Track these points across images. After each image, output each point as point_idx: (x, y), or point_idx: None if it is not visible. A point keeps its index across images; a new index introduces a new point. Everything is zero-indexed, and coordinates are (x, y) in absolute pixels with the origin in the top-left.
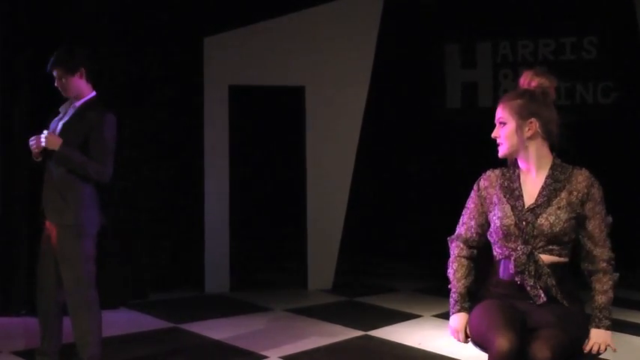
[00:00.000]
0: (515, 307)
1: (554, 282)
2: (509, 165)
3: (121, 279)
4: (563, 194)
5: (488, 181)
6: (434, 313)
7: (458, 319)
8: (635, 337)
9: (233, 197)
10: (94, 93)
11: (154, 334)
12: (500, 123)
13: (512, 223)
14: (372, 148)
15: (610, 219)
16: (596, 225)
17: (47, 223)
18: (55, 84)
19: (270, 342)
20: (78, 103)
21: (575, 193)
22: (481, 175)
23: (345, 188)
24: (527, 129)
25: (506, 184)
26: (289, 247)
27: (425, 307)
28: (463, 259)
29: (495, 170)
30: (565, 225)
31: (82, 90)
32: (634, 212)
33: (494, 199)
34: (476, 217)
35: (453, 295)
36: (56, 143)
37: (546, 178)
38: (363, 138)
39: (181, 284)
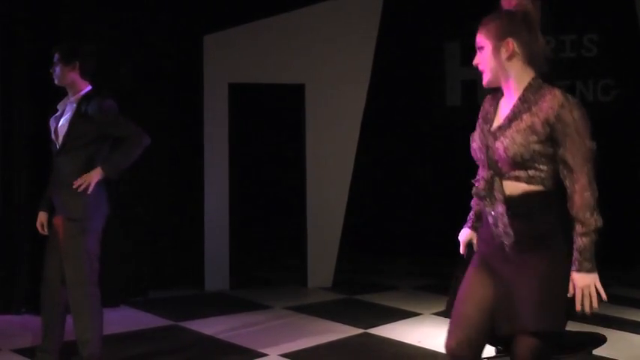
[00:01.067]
0: (492, 280)
1: (504, 210)
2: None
3: (121, 277)
4: (525, 116)
5: (483, 104)
6: (434, 311)
7: (463, 232)
8: (634, 334)
9: (233, 195)
10: (89, 87)
11: (154, 331)
12: (479, 48)
13: (477, 147)
14: (371, 145)
15: (589, 144)
16: (567, 150)
17: (55, 219)
18: (51, 69)
19: (269, 340)
20: (75, 98)
21: (540, 114)
22: None
23: (345, 186)
24: (503, 50)
25: (487, 107)
26: (289, 244)
27: (425, 305)
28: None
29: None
30: (521, 149)
31: (76, 83)
32: (634, 210)
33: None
34: None
35: (470, 214)
36: (97, 173)
37: (517, 99)
38: (363, 136)
39: (181, 282)
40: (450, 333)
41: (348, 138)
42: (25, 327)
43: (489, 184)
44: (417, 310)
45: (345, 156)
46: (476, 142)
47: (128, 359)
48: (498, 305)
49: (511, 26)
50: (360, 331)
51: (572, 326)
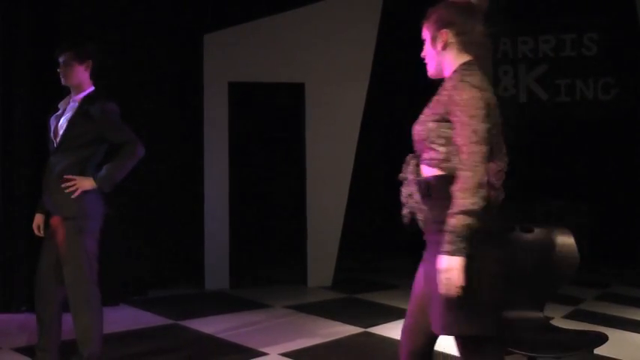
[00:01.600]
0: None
1: (414, 190)
2: None
3: (121, 276)
4: (434, 98)
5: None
6: None
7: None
8: (635, 334)
9: (232, 194)
10: (92, 87)
11: (154, 330)
12: (423, 41)
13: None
14: (371, 144)
15: (476, 126)
16: (456, 131)
17: (52, 219)
18: (58, 69)
19: (269, 339)
20: (78, 97)
21: (441, 96)
22: None
23: (345, 185)
24: (439, 40)
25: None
26: (289, 243)
27: None
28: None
29: None
30: (420, 127)
31: (83, 82)
32: (634, 209)
33: None
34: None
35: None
36: (90, 184)
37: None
38: (363, 134)
39: (181, 281)
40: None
41: (348, 136)
42: (25, 326)
43: (406, 166)
44: None
45: (345, 155)
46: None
47: (128, 358)
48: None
49: (448, 17)
50: (360, 330)
51: (573, 325)
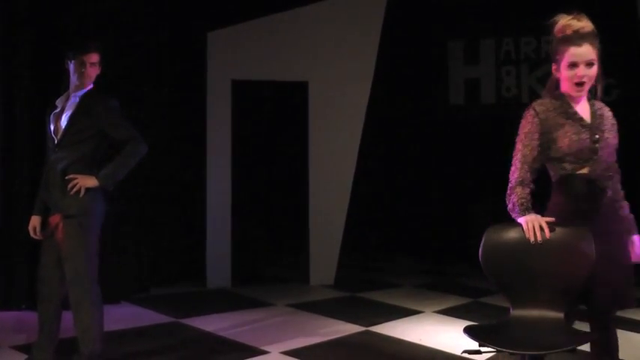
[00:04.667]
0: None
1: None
2: (548, 92)
3: (122, 274)
4: (606, 116)
5: (544, 106)
6: (435, 309)
7: (534, 215)
8: (634, 333)
9: (235, 192)
10: (92, 84)
11: (155, 328)
12: (591, 64)
13: (587, 137)
14: (374, 143)
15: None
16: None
17: (51, 217)
18: (83, 70)
19: (271, 337)
20: (79, 94)
21: (609, 119)
22: (530, 107)
23: (348, 183)
24: (597, 66)
25: (562, 109)
26: (291, 242)
27: (426, 303)
28: (529, 189)
29: (543, 99)
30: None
31: (91, 83)
32: (634, 209)
33: (559, 120)
34: (539, 135)
35: (516, 208)
36: (92, 181)
37: (590, 105)
38: (366, 133)
39: (183, 279)
40: None
41: (351, 135)
42: (25, 323)
43: (605, 171)
44: (419, 308)
45: (347, 153)
46: (585, 134)
47: (129, 356)
48: None
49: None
50: (362, 328)
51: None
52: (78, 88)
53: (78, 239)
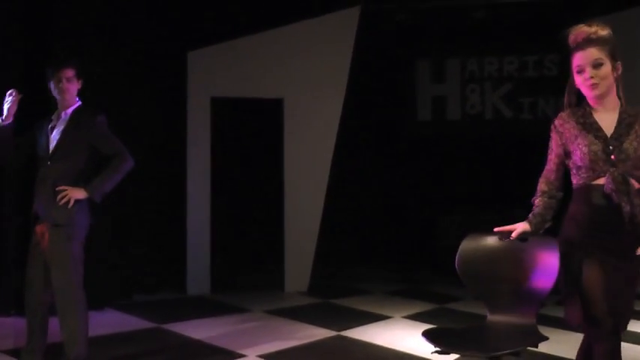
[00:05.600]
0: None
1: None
2: (566, 105)
3: (107, 281)
4: (637, 126)
5: (562, 119)
6: (403, 315)
7: (523, 224)
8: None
9: (214, 203)
10: (79, 102)
11: (137, 333)
12: (598, 64)
13: (600, 148)
14: (347, 156)
15: None
16: None
17: (38, 227)
18: (60, 85)
19: (248, 341)
20: (68, 111)
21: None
22: (552, 122)
23: (321, 195)
24: (618, 70)
25: (581, 120)
26: (267, 251)
27: (395, 308)
28: (546, 200)
29: (563, 112)
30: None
31: (74, 98)
32: None
33: (575, 132)
34: (555, 149)
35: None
36: (81, 193)
37: (620, 113)
38: (338, 147)
39: (164, 286)
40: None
41: (324, 149)
42: (14, 329)
43: (624, 179)
44: (388, 314)
45: (321, 166)
46: (597, 145)
47: None
48: None
49: (618, 51)
50: (334, 333)
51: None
52: (63, 104)
53: (64, 247)
